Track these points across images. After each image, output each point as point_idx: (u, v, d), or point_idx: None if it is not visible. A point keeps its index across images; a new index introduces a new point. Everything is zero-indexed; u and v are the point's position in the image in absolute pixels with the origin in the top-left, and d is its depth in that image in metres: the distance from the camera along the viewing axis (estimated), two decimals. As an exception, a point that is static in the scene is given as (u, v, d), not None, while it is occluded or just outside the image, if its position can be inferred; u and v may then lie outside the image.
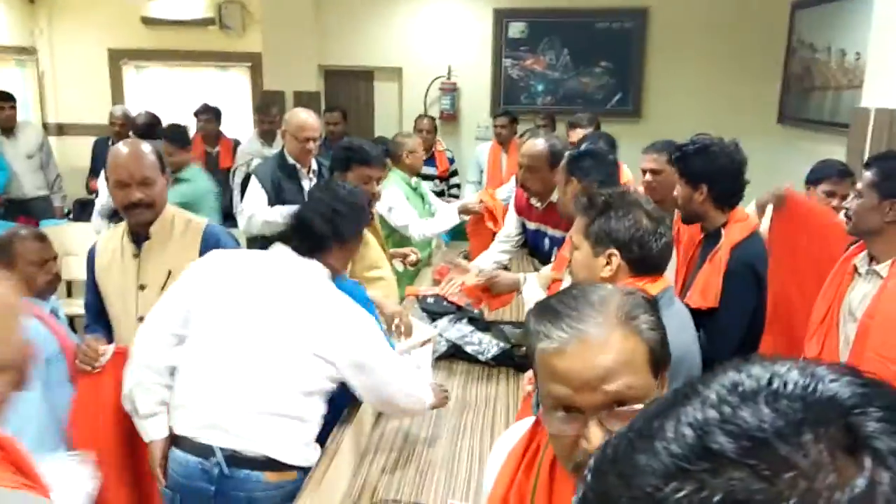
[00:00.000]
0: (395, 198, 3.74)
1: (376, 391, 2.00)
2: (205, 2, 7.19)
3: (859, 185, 2.09)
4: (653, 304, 1.05)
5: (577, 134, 4.07)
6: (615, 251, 1.58)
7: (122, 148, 2.30)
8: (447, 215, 3.94)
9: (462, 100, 6.77)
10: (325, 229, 2.02)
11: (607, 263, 1.59)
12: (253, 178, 3.60)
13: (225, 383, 1.91)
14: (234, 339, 1.94)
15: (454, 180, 5.93)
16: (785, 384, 0.42)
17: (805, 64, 5.64)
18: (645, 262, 1.59)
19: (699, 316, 1.89)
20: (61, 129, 7.36)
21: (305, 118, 3.66)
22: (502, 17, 6.64)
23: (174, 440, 1.96)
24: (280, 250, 2.04)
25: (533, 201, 3.13)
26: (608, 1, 6.46)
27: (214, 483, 1.87)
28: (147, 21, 7.22)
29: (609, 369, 0.92)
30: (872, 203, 2.02)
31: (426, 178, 5.44)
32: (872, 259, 2.08)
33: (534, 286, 2.67)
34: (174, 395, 1.98)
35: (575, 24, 6.57)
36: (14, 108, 5.54)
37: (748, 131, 4.90)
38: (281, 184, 3.53)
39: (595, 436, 0.90)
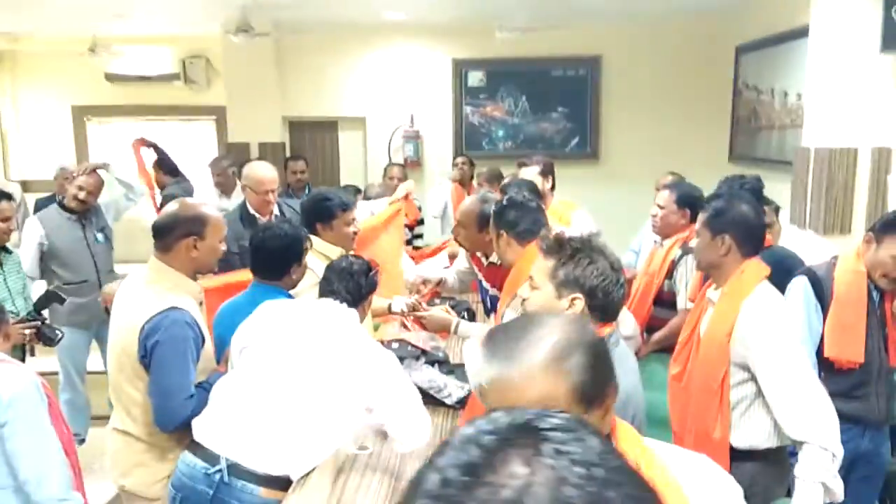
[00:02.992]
0: None
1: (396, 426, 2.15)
2: (170, 58, 7.30)
3: (697, 226, 2.26)
4: (594, 345, 1.11)
5: (526, 173, 4.17)
6: (580, 296, 1.63)
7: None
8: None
9: (425, 147, 6.92)
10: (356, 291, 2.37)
11: (570, 307, 1.63)
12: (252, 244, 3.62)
13: (250, 405, 2.11)
14: (269, 370, 2.15)
15: (419, 229, 6.01)
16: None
17: (751, 105, 5.90)
18: (606, 309, 1.65)
19: None
20: (25, 186, 7.33)
21: (264, 173, 3.74)
22: (461, 67, 6.85)
23: (189, 445, 2.16)
24: (326, 301, 2.32)
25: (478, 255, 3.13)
26: (562, 50, 6.72)
27: (213, 488, 2.05)
28: (111, 77, 7.30)
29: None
30: (706, 241, 2.19)
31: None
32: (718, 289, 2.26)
33: (469, 325, 2.81)
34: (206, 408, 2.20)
35: (531, 72, 6.81)
36: None
37: (701, 169, 5.13)
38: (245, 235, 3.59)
39: None
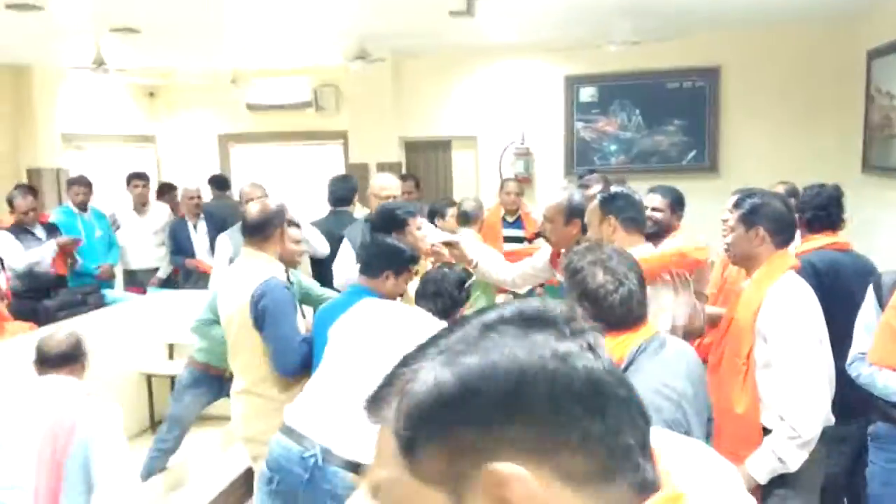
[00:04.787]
0: None
1: None
2: (304, 87, 7.88)
3: (731, 222, 2.43)
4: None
5: (590, 192, 4.16)
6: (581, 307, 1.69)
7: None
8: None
9: (535, 163, 6.97)
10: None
11: None
12: (345, 241, 3.90)
13: (341, 394, 2.31)
14: (360, 361, 2.31)
15: (537, 242, 6.01)
16: None
17: (885, 112, 5.45)
18: (600, 317, 1.65)
19: None
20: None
21: (384, 181, 4.16)
22: (573, 83, 6.85)
23: (283, 429, 2.37)
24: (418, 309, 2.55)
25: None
26: (678, 61, 6.54)
27: (308, 471, 2.23)
28: (252, 107, 7.99)
29: None
30: (741, 234, 2.35)
31: (512, 239, 5.59)
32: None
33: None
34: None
35: (645, 85, 6.68)
36: (147, 186, 6.26)
37: (831, 181, 4.78)
38: None
39: None
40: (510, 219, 5.79)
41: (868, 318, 2.44)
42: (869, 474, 2.46)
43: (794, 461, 2.10)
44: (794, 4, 5.43)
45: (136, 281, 6.10)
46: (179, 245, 5.91)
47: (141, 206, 6.19)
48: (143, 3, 4.60)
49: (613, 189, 2.88)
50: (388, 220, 3.27)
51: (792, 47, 6.26)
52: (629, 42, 5.94)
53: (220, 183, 6.85)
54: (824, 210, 2.88)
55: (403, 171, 7.12)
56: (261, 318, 2.75)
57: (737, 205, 2.52)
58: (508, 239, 5.62)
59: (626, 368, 1.58)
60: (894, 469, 2.36)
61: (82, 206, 5.70)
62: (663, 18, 5.66)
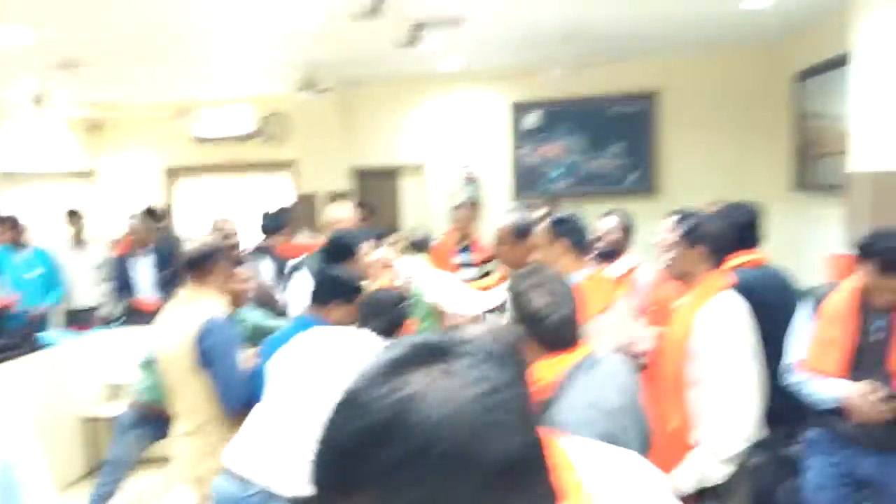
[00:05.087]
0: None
1: None
2: (250, 116, 7.87)
3: (672, 239, 2.44)
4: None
5: (536, 214, 4.30)
6: (520, 328, 1.74)
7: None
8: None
9: (484, 189, 7.08)
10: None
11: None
12: (303, 270, 3.91)
13: (275, 430, 2.30)
14: (298, 397, 2.29)
15: (489, 266, 6.07)
16: None
17: (811, 132, 5.73)
18: (538, 339, 1.71)
19: None
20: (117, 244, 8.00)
21: (336, 213, 4.19)
22: (518, 109, 7.02)
23: (222, 472, 2.36)
24: (360, 332, 2.52)
25: None
26: (618, 87, 6.77)
27: None
28: (198, 139, 7.93)
29: None
30: (681, 251, 2.38)
31: (463, 265, 5.62)
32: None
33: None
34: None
35: (587, 111, 6.88)
36: (82, 222, 6.12)
37: (762, 200, 4.98)
38: None
39: None
40: (460, 246, 5.85)
41: (802, 329, 2.54)
42: (804, 480, 2.55)
43: (716, 475, 2.16)
44: (726, 31, 5.69)
45: (79, 319, 5.94)
46: (123, 281, 5.80)
47: (77, 242, 6.07)
48: (83, 37, 4.57)
49: (564, 212, 2.95)
50: (339, 249, 3.33)
51: (724, 71, 6.54)
52: (570, 67, 6.13)
53: (152, 215, 6.66)
54: (744, 229, 2.99)
55: (354, 199, 7.16)
56: (205, 357, 2.72)
57: (678, 223, 2.61)
58: (458, 266, 5.67)
59: (561, 387, 1.63)
60: (828, 473, 2.46)
61: (15, 245, 5.58)
62: (604, 44, 5.86)
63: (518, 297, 1.73)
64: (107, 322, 5.91)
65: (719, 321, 2.23)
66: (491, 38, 5.44)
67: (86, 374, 4.76)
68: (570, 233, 2.71)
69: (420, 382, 0.61)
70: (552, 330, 1.69)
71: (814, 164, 5.71)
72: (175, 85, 6.76)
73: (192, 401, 2.80)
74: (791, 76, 6.04)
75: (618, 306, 2.59)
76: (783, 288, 2.88)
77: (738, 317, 2.26)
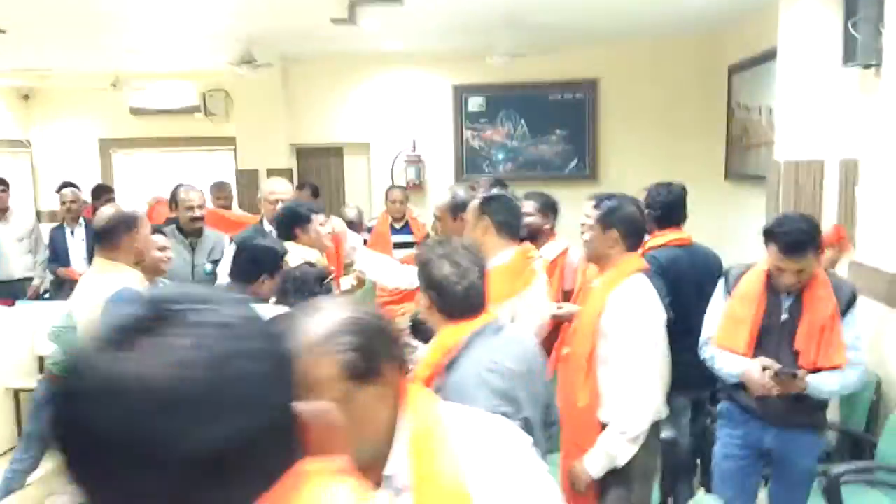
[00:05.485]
0: None
1: None
2: (191, 92, 7.70)
3: (591, 221, 2.56)
4: (367, 326, 1.17)
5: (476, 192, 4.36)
6: (427, 296, 1.83)
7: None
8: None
9: (427, 170, 7.11)
10: None
11: (427, 305, 1.84)
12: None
13: None
14: None
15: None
16: None
17: (742, 123, 5.93)
18: (444, 306, 1.80)
19: None
20: (54, 216, 7.77)
21: (273, 184, 4.16)
22: (461, 93, 7.05)
23: None
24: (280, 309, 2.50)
25: None
26: (560, 74, 6.86)
27: None
28: (135, 111, 7.72)
29: None
30: (597, 234, 2.49)
31: (402, 245, 5.66)
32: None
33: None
34: None
35: (529, 96, 6.96)
36: (6, 191, 5.89)
37: (699, 187, 5.15)
38: None
39: None
40: (398, 225, 5.87)
41: (716, 306, 2.65)
42: (714, 449, 2.69)
43: (624, 455, 2.27)
44: (665, 21, 5.82)
45: (7, 292, 5.77)
46: (57, 253, 5.66)
47: (1, 212, 5.87)
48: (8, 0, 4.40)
49: (494, 191, 3.00)
50: (293, 217, 3.28)
51: (663, 62, 6.69)
52: (513, 54, 6.18)
53: (99, 192, 6.56)
54: (671, 208, 3.11)
55: (295, 177, 7.09)
56: None
57: (595, 206, 2.68)
58: (398, 245, 5.71)
59: (461, 350, 1.69)
60: (732, 443, 2.60)
61: None
62: (546, 32, 5.92)
63: (425, 266, 1.78)
64: (37, 294, 5.77)
65: (628, 303, 2.33)
66: (433, 21, 5.45)
67: (13, 346, 4.66)
68: (498, 212, 2.76)
69: (127, 359, 0.58)
70: (458, 298, 1.76)
71: (745, 154, 5.91)
72: (109, 55, 6.55)
73: None
74: (726, 68, 6.22)
75: (536, 287, 2.65)
76: (704, 266, 3.01)
77: (646, 300, 2.37)
